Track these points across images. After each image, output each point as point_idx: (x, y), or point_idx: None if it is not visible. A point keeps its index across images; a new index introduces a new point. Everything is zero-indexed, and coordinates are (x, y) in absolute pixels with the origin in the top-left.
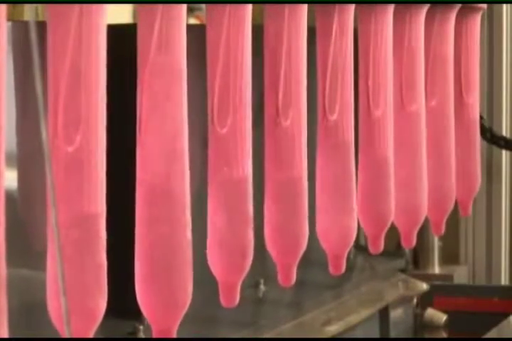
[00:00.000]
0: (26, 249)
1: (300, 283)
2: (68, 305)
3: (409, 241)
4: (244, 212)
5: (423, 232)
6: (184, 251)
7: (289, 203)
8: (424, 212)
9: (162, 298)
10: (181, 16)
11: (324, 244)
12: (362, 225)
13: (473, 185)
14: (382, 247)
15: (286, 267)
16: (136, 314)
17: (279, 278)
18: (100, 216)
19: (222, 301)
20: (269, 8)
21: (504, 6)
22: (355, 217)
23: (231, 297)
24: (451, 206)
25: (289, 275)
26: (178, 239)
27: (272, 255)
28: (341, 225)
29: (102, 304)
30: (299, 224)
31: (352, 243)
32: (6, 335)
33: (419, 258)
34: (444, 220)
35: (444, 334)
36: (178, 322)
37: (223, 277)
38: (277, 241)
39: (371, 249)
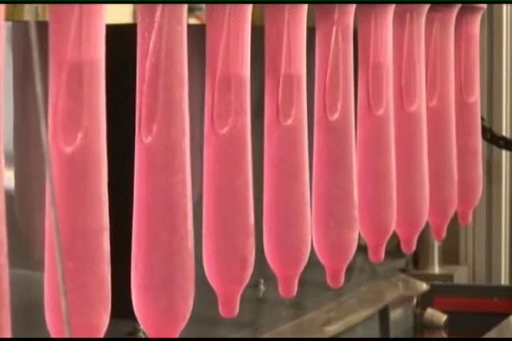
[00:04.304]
0: (25, 252)
1: (300, 282)
2: (71, 320)
3: (409, 247)
4: (244, 220)
5: (423, 232)
6: (184, 262)
7: (289, 212)
8: (424, 217)
9: (159, 311)
10: (182, 16)
11: (322, 258)
12: (362, 235)
13: (475, 193)
14: (383, 256)
15: (286, 280)
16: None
17: (280, 290)
18: (104, 228)
19: (221, 311)
20: (269, 8)
21: (504, 6)
22: (355, 228)
23: (230, 308)
24: (453, 211)
25: (290, 288)
26: (178, 250)
27: (272, 267)
28: (340, 238)
29: (105, 319)
30: (301, 235)
31: (352, 256)
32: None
33: (419, 258)
34: (446, 225)
35: (444, 335)
36: (177, 335)
37: (221, 288)
38: (277, 253)
39: (372, 258)
